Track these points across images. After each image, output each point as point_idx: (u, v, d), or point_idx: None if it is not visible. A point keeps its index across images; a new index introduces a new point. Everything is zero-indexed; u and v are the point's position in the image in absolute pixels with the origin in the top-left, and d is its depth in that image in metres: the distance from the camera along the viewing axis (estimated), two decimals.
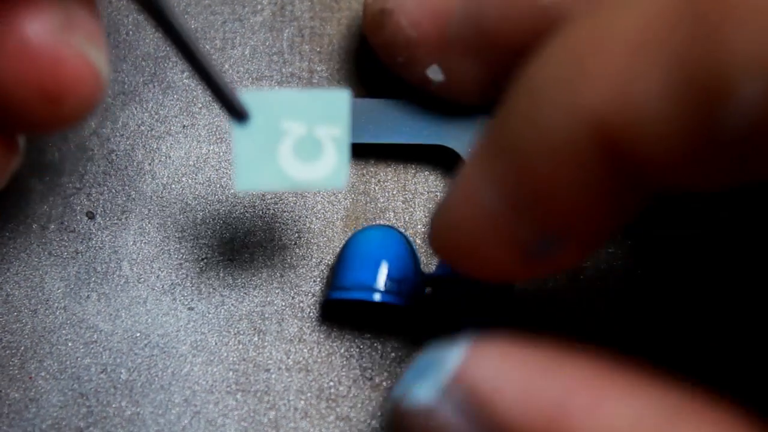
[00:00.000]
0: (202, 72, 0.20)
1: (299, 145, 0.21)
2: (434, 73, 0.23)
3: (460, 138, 0.24)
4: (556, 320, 0.24)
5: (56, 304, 0.24)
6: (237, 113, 0.20)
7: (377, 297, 0.22)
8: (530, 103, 0.17)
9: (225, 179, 0.25)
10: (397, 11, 0.22)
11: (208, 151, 0.25)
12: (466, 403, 0.18)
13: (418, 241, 0.25)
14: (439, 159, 0.25)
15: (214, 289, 0.24)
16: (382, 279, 0.22)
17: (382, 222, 0.25)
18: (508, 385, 0.18)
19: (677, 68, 0.14)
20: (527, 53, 0.20)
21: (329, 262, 0.25)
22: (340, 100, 0.21)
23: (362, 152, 0.25)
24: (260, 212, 0.25)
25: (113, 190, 0.25)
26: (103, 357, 0.24)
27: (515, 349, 0.19)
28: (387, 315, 0.24)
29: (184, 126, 0.25)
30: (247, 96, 0.20)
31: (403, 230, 0.25)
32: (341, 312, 0.24)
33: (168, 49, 0.25)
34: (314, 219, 0.25)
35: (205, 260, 0.25)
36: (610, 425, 0.17)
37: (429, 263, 0.24)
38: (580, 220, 0.18)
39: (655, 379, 0.18)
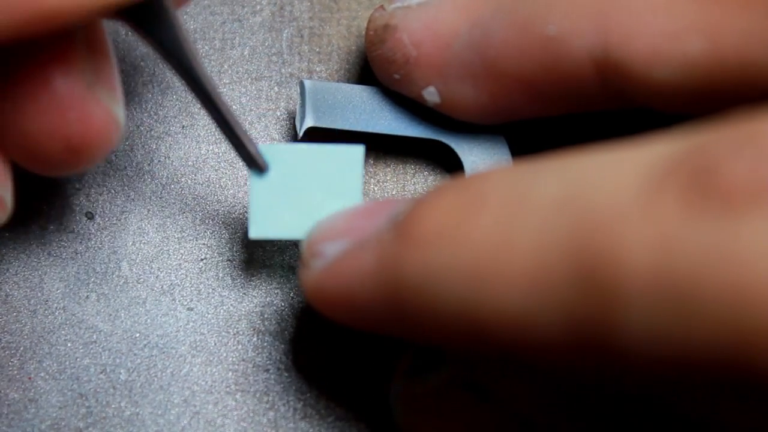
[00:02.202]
0: (223, 124, 0.21)
1: (313, 196, 0.22)
2: (430, 96, 0.23)
3: (457, 134, 0.24)
4: None
5: (55, 305, 0.24)
6: (256, 165, 0.22)
7: None
8: (428, 293, 0.17)
9: (224, 179, 0.25)
10: (401, 28, 0.22)
11: (207, 151, 0.25)
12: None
13: None
14: (438, 159, 0.25)
15: (213, 289, 0.24)
16: None
17: None
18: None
19: (571, 317, 0.15)
20: (528, 82, 0.20)
21: None
22: (354, 154, 0.22)
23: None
24: None
25: (112, 191, 0.25)
26: (103, 357, 0.24)
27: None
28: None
29: (183, 126, 0.25)
30: (265, 149, 0.22)
31: None
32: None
33: None
34: None
35: (205, 260, 0.25)
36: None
37: None
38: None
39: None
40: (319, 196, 0.22)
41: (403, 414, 0.21)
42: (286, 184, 0.22)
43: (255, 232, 0.22)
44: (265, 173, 0.22)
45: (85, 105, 0.19)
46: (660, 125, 0.25)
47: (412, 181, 0.25)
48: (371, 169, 0.25)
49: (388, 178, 0.25)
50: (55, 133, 0.19)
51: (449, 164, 0.25)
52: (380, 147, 0.25)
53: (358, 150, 0.22)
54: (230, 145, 0.21)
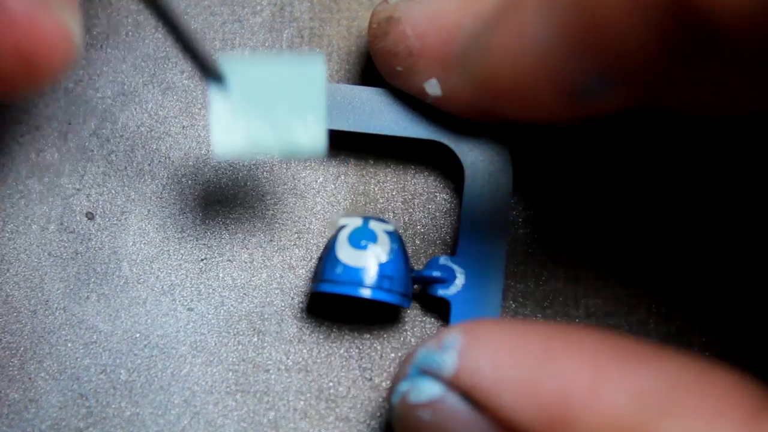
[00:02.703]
0: (174, 29, 0.19)
1: (276, 109, 0.21)
2: (432, 88, 0.23)
3: (457, 135, 0.24)
4: (553, 321, 0.24)
5: (56, 305, 0.24)
6: (211, 73, 0.20)
7: (369, 294, 0.22)
8: None
9: (224, 180, 0.25)
10: (405, 20, 0.22)
11: (208, 152, 0.25)
12: (470, 395, 0.19)
13: (417, 242, 0.25)
14: (438, 159, 0.25)
15: (213, 289, 0.24)
16: (373, 274, 0.22)
17: None
18: (506, 377, 0.19)
19: None
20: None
21: None
22: (316, 64, 0.21)
23: (357, 147, 0.25)
24: (260, 213, 0.25)
25: (113, 191, 0.25)
26: (103, 357, 0.24)
27: (507, 338, 0.19)
28: (374, 310, 0.24)
29: (183, 127, 0.25)
30: (225, 60, 0.20)
31: (402, 230, 0.25)
32: (326, 303, 0.24)
33: (168, 49, 0.25)
34: (313, 220, 0.25)
35: (205, 261, 0.25)
36: (611, 404, 0.17)
37: (418, 262, 0.24)
38: (637, 64, 0.18)
39: (651, 352, 0.18)
40: (282, 108, 0.21)
41: (401, 424, 0.21)
42: (247, 98, 0.21)
43: (218, 151, 0.21)
44: (225, 86, 0.21)
45: (36, 15, 0.18)
46: (656, 131, 0.25)
47: (412, 182, 0.25)
48: (371, 169, 0.25)
49: (388, 178, 0.25)
50: (3, 44, 0.18)
51: (449, 166, 0.25)
52: (381, 148, 0.25)
53: (318, 59, 0.21)
54: (182, 52, 0.20)
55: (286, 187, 0.25)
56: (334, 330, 0.24)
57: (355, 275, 0.22)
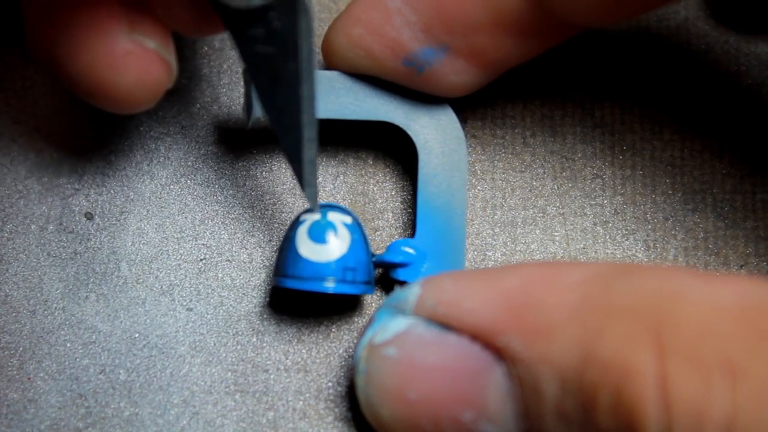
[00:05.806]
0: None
1: None
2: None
3: (406, 113, 0.24)
4: None
5: (55, 305, 0.24)
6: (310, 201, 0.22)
7: (333, 288, 0.22)
8: None
9: (223, 180, 0.25)
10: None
11: (207, 151, 0.25)
12: (434, 315, 0.20)
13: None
14: (393, 141, 0.25)
15: (212, 289, 0.24)
16: (335, 268, 0.22)
17: (380, 222, 0.25)
18: (467, 286, 0.20)
19: None
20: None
21: None
22: None
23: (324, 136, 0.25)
24: (259, 213, 0.25)
25: (112, 191, 0.25)
26: (102, 358, 0.24)
27: (466, 270, 0.21)
28: (338, 297, 0.24)
29: (182, 127, 0.25)
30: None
31: (401, 229, 0.25)
32: (290, 294, 0.24)
33: None
34: None
35: (204, 261, 0.25)
36: (568, 282, 0.18)
37: (379, 247, 0.24)
38: (476, 36, 0.21)
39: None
40: None
41: (367, 377, 0.21)
42: None
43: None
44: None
45: (157, 53, 0.21)
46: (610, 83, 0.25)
47: (411, 182, 0.25)
48: (371, 170, 0.25)
49: (387, 178, 0.25)
50: (135, 73, 0.21)
51: (402, 144, 0.25)
52: (335, 133, 0.25)
53: None
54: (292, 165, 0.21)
55: (285, 187, 0.25)
56: (333, 330, 0.24)
57: (317, 270, 0.22)
